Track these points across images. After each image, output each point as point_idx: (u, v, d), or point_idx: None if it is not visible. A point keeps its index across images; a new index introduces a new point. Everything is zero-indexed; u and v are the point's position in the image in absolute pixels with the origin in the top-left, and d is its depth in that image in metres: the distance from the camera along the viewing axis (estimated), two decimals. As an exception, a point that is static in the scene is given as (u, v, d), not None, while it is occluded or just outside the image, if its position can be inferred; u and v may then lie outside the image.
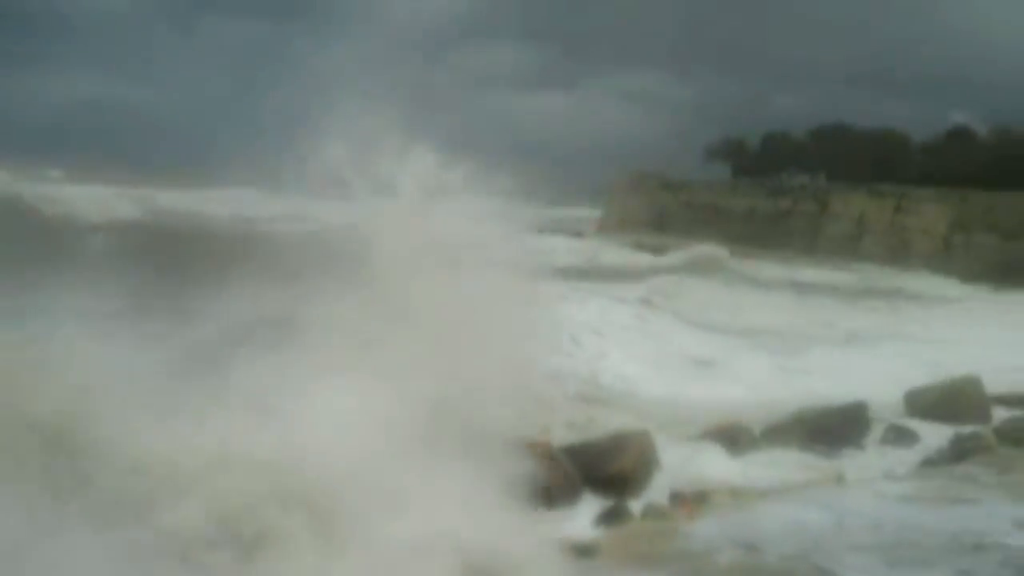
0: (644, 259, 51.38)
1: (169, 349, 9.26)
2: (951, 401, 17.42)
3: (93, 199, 56.47)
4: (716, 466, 13.08)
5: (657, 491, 12.13)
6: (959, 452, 14.41)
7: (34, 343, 8.90)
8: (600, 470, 12.04)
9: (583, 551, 9.46)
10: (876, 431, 16.03)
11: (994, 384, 18.38)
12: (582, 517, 11.17)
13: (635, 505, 11.60)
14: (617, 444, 12.62)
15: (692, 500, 11.60)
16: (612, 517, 11.16)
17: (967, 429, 15.67)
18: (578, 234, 67.87)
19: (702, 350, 22.47)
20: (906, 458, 14.74)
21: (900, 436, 15.95)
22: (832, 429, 15.38)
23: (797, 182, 72.45)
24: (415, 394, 9.02)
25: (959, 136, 72.10)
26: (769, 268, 49.19)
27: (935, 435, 15.85)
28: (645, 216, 75.25)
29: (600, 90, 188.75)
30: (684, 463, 13.02)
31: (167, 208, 61.45)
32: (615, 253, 54.78)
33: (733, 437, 14.28)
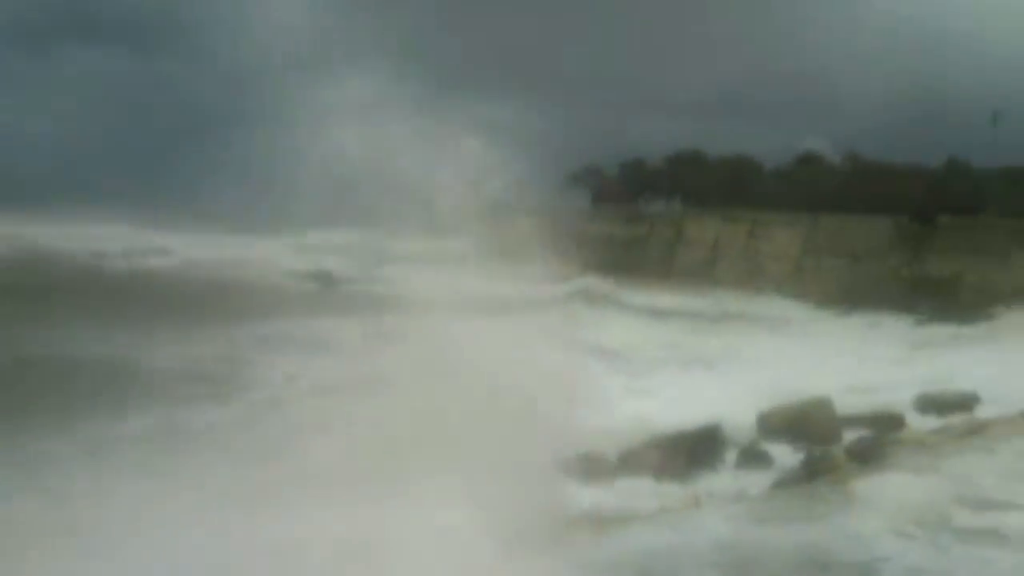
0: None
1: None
2: (802, 422, 17.76)
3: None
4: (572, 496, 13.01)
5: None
6: (811, 472, 14.63)
7: None
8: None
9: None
10: (731, 454, 16.20)
11: (843, 405, 18.80)
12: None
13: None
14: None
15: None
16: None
17: (818, 449, 15.94)
18: (439, 263, 67.72)
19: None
20: (760, 479, 14.91)
21: (753, 458, 16.16)
22: (687, 452, 15.48)
23: (654, 208, 73.49)
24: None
25: (809, 161, 74.16)
26: (626, 294, 49.84)
27: (787, 456, 16.10)
28: (501, 244, 75.24)
29: (460, 120, 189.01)
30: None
31: (26, 245, 59.33)
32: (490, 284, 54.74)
33: (588, 466, 14.22)
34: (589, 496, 13.24)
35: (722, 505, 12.68)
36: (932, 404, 20.76)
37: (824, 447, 16.29)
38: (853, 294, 51.92)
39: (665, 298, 49.58)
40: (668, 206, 73.26)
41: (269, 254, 60.38)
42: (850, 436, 17.45)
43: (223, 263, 54.64)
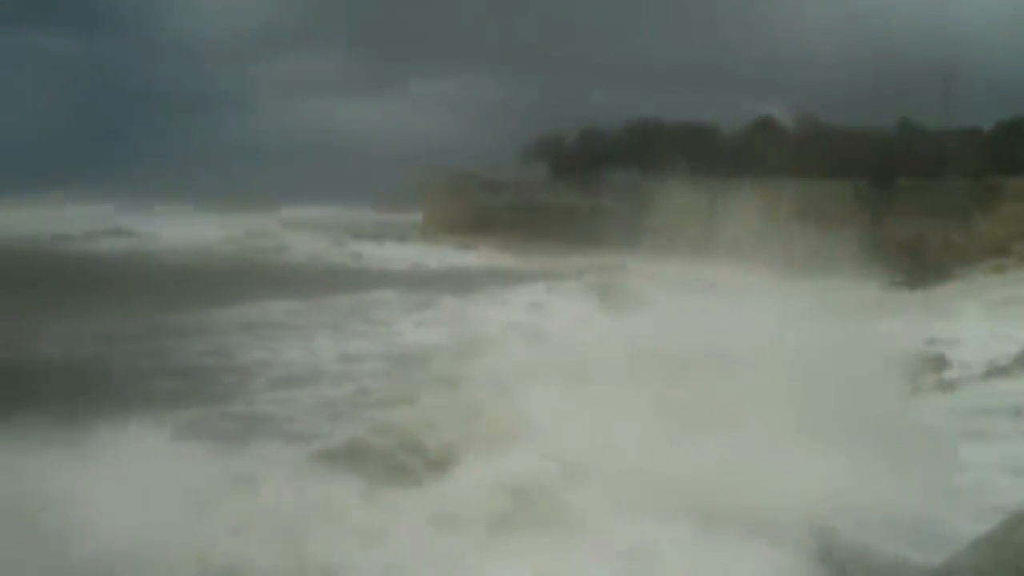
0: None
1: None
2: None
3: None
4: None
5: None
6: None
7: None
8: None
9: None
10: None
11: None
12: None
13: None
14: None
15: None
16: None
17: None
18: (403, 239, 67.35)
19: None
20: None
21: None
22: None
23: (615, 178, 73.35)
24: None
25: (766, 126, 74.23)
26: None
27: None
28: (466, 217, 75.00)
29: (416, 94, 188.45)
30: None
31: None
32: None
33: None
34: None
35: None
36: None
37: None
38: (815, 259, 51.96)
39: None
40: (628, 175, 73.15)
41: (236, 233, 59.28)
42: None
43: (190, 242, 53.91)
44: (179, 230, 59.48)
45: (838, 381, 14.63)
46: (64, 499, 9.93)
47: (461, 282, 36.70)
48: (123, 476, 10.55)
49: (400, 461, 12.48)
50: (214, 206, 72.60)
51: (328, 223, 64.68)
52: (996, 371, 20.61)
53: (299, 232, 58.71)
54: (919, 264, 49.27)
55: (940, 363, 21.80)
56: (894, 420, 14.65)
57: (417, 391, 16.00)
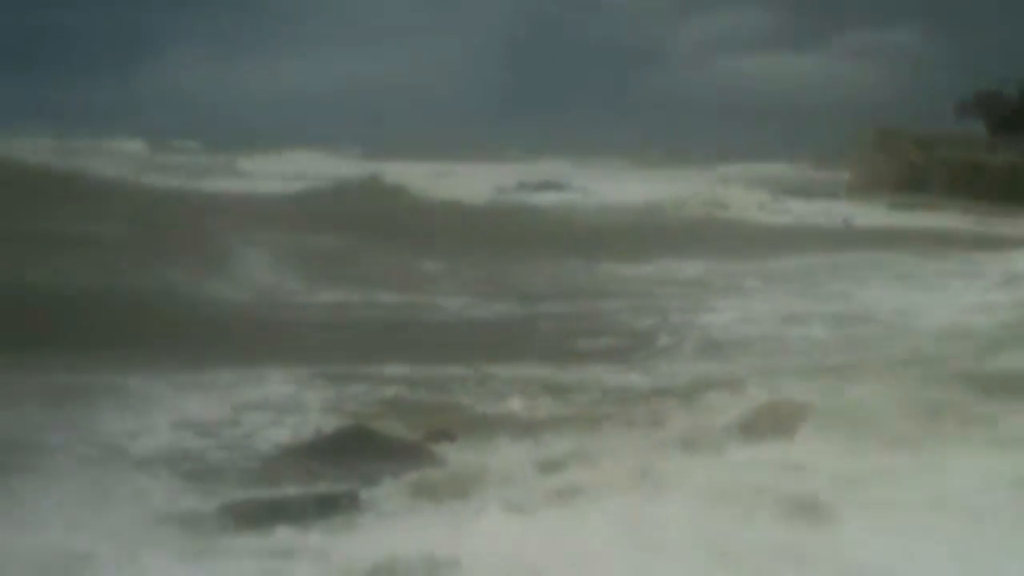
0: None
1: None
2: None
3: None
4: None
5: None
6: None
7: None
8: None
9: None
10: None
11: None
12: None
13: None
14: None
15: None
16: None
17: None
18: (832, 196, 65.60)
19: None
20: None
21: None
22: None
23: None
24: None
25: None
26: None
27: None
28: (896, 176, 71.80)
29: (841, 49, 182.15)
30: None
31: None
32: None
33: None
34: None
35: None
36: None
37: None
38: None
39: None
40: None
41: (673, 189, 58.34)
42: None
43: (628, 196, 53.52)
44: (613, 184, 60.40)
45: None
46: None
47: (908, 243, 34.77)
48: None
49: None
50: (647, 161, 74.07)
51: (757, 180, 63.82)
52: None
53: (733, 188, 58.31)
54: None
55: None
56: None
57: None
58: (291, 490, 9.51)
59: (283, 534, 8.30)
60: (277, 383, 14.44)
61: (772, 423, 10.92)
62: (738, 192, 56.98)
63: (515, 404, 13.36)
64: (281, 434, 11.99)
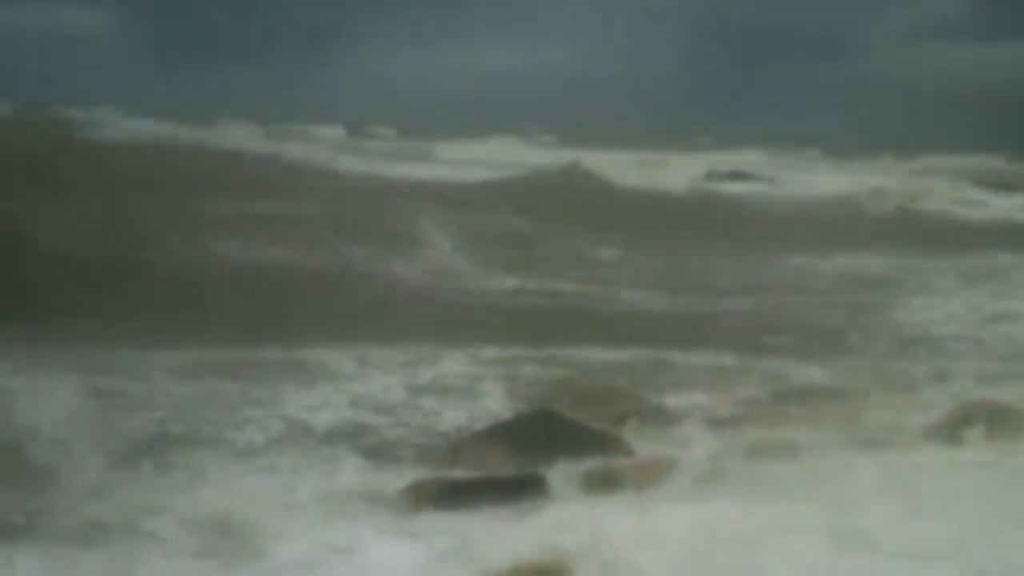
0: None
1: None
2: None
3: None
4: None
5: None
6: None
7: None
8: None
9: None
10: None
11: None
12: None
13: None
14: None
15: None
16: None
17: None
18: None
19: None
20: None
21: None
22: None
23: None
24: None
25: None
26: None
27: None
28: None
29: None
30: None
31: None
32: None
33: None
34: None
35: None
36: None
37: None
38: None
39: None
40: None
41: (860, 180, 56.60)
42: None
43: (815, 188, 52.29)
44: (806, 175, 58.68)
45: None
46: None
47: None
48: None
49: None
50: (842, 152, 72.11)
51: (955, 172, 61.26)
52: None
53: (930, 181, 56.09)
54: None
55: None
56: None
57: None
58: (476, 472, 9.57)
59: (471, 516, 8.35)
60: (455, 362, 14.64)
61: (979, 425, 10.41)
62: (935, 185, 54.73)
63: (699, 396, 13.14)
64: (458, 416, 12.14)
